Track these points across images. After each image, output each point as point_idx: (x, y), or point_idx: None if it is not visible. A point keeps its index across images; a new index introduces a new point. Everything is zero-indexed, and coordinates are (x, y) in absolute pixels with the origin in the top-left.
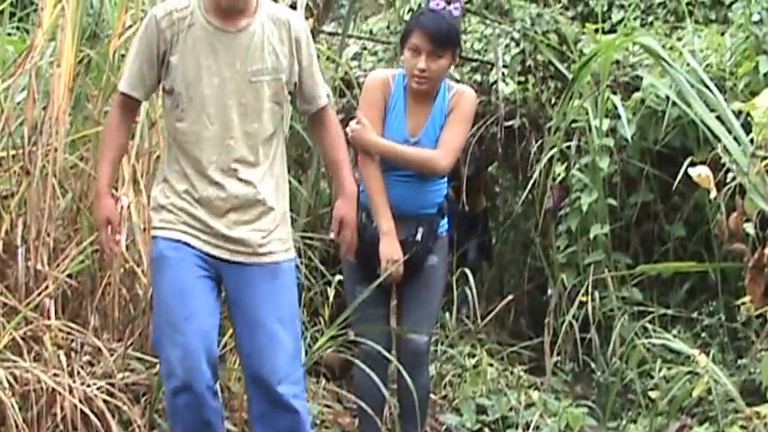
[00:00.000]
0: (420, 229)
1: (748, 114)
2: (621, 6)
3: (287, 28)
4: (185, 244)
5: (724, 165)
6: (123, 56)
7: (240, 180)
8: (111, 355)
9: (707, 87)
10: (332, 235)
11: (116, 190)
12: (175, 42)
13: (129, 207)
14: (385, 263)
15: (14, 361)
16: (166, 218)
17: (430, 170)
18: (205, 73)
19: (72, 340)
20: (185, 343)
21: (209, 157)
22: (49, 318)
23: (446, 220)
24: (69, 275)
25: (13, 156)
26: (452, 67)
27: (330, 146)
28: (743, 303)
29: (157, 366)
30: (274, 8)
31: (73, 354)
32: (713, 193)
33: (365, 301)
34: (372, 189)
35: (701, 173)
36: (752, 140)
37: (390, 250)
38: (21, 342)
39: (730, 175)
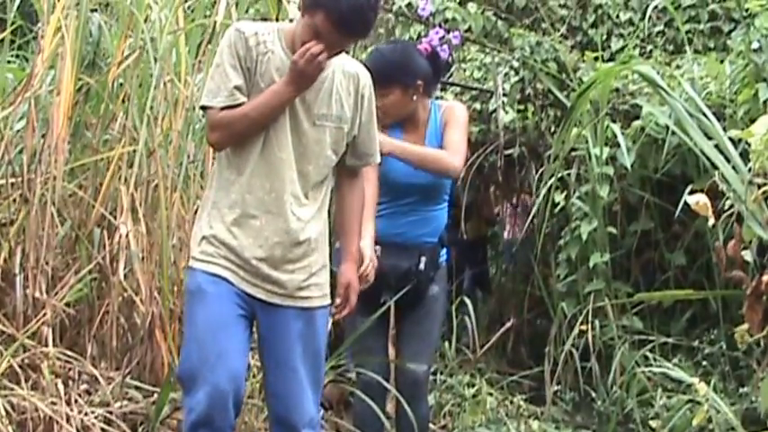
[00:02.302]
0: (422, 259)
1: (748, 142)
2: (621, 35)
3: (355, 81)
4: (224, 279)
5: (723, 192)
6: (122, 84)
7: (293, 214)
8: (109, 383)
9: (705, 115)
10: (337, 300)
11: (114, 219)
12: (259, 63)
13: (127, 236)
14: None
15: (12, 389)
16: (207, 250)
17: (443, 167)
18: None
19: (70, 369)
20: (215, 381)
21: (272, 183)
22: (46, 346)
23: (445, 249)
24: (67, 304)
25: (12, 183)
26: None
27: (354, 208)
28: (742, 331)
29: (155, 396)
30: (346, 60)
31: (70, 382)
32: (711, 221)
33: (365, 332)
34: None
35: (698, 201)
36: (750, 168)
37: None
38: (18, 370)
39: (728, 203)
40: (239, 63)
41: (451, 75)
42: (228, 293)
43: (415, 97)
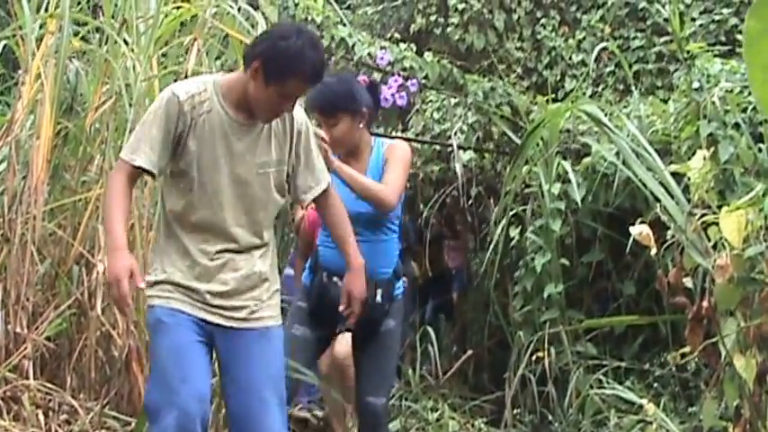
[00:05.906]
0: (378, 291)
1: None
2: (573, 76)
3: (290, 121)
4: (180, 311)
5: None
6: (99, 128)
7: (242, 257)
8: (88, 414)
9: (647, 152)
10: (341, 308)
11: (92, 256)
12: (194, 126)
13: (104, 272)
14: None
15: None
16: (164, 287)
17: (381, 202)
18: (219, 161)
19: (50, 400)
20: (182, 405)
21: (216, 239)
22: (27, 378)
23: (401, 282)
24: (48, 338)
25: None
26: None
27: (335, 223)
28: (683, 353)
29: (132, 424)
30: None
31: (51, 413)
32: (653, 251)
33: (304, 345)
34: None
35: (641, 231)
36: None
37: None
38: (0, 402)
39: (670, 233)
40: (166, 126)
41: (410, 119)
42: (186, 322)
43: (361, 125)
